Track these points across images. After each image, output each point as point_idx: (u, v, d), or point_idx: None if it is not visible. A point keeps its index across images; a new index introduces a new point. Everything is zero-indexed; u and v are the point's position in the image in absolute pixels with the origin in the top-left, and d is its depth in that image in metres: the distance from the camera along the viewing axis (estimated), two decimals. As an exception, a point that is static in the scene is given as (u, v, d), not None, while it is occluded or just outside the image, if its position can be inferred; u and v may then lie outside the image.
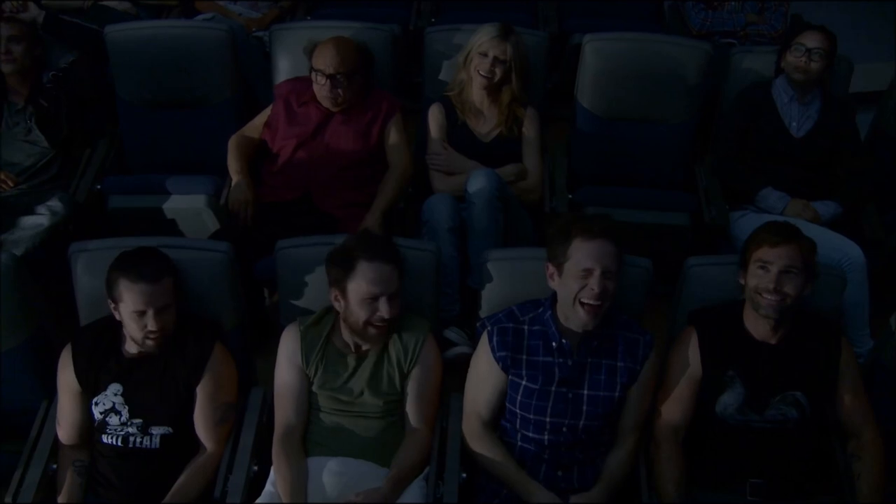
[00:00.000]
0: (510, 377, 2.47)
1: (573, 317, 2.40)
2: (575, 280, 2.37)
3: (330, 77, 3.17)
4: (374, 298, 2.41)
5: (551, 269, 2.44)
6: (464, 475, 2.49)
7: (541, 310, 2.49)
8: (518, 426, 2.48)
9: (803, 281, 2.45)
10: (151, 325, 2.41)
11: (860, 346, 3.07)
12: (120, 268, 2.43)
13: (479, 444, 2.50)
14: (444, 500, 2.44)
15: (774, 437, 2.48)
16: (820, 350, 2.51)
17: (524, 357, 2.45)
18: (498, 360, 2.46)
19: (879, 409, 2.55)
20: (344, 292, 2.45)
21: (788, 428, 2.48)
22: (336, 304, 2.49)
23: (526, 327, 2.48)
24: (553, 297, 2.48)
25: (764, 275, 2.45)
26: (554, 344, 2.44)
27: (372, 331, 2.46)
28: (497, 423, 2.53)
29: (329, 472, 2.45)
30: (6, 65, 3.33)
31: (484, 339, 2.51)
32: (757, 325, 2.51)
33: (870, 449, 2.48)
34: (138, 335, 2.44)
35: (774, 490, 2.48)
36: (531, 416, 2.45)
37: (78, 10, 3.94)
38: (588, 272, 2.35)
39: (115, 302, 2.44)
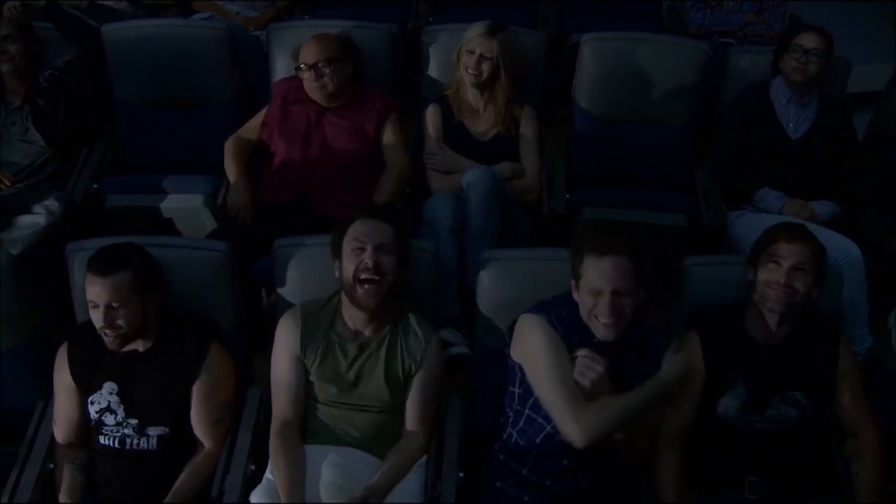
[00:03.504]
0: None
1: (593, 328, 2.35)
2: (588, 297, 2.32)
3: (312, 67, 3.17)
4: (362, 249, 2.43)
5: (573, 280, 2.39)
6: (461, 474, 2.49)
7: (570, 308, 2.39)
8: (534, 424, 2.42)
9: (812, 281, 2.45)
10: (100, 321, 2.40)
11: (859, 344, 3.08)
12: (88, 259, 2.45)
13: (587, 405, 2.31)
14: (441, 499, 2.44)
15: (775, 438, 2.48)
16: (820, 350, 2.51)
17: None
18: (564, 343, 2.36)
19: (879, 410, 2.54)
20: (339, 256, 2.48)
21: (788, 428, 2.48)
22: (336, 275, 2.50)
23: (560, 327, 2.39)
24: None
25: (776, 269, 2.45)
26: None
27: (360, 290, 2.44)
28: None
29: (328, 464, 2.44)
30: (3, 64, 3.32)
31: (542, 326, 2.36)
32: (757, 326, 2.51)
33: (869, 449, 2.48)
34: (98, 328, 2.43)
35: (773, 489, 2.48)
36: (545, 423, 2.40)
37: (75, 11, 3.93)
38: (599, 291, 2.30)
39: None
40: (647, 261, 2.34)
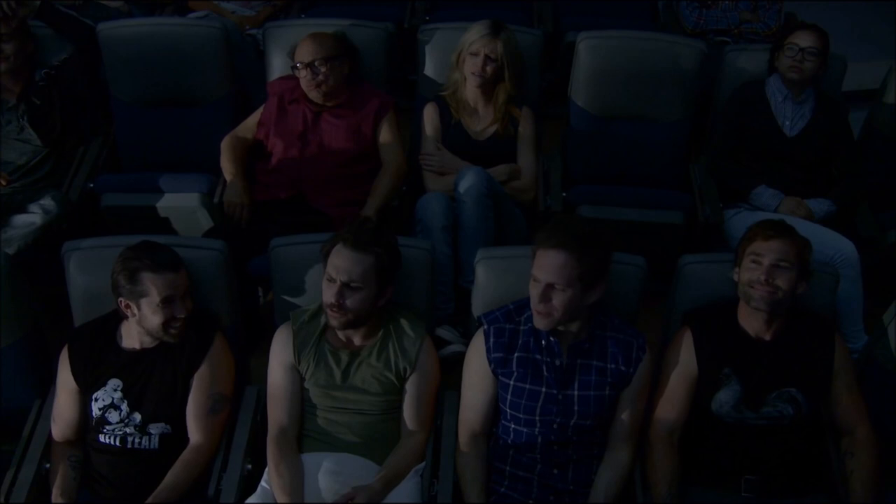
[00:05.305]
0: (500, 377, 2.46)
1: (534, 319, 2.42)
2: (531, 286, 2.39)
3: (308, 65, 3.17)
4: (332, 281, 2.44)
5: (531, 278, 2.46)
6: (458, 473, 2.49)
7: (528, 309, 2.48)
8: (510, 421, 2.48)
9: (796, 276, 2.45)
10: (179, 312, 2.46)
11: (854, 341, 3.09)
12: (137, 261, 2.44)
13: (463, 452, 2.50)
14: (438, 498, 2.44)
15: (770, 435, 2.49)
16: (814, 347, 2.52)
17: (515, 355, 2.45)
18: (491, 361, 2.46)
19: (874, 408, 2.55)
20: (324, 271, 2.49)
21: (784, 425, 2.49)
22: None
23: (521, 328, 2.48)
24: None
25: (756, 268, 2.46)
26: (543, 342, 2.44)
27: (329, 313, 2.47)
28: (490, 426, 2.53)
29: (325, 470, 2.46)
30: (-3, 64, 3.31)
31: (480, 337, 2.50)
32: (751, 323, 2.51)
33: (863, 446, 2.48)
34: (160, 328, 2.45)
35: (769, 487, 2.49)
36: (521, 416, 2.45)
37: (71, 9, 3.91)
38: (535, 281, 2.37)
39: (136, 297, 2.44)
40: (596, 259, 2.37)
